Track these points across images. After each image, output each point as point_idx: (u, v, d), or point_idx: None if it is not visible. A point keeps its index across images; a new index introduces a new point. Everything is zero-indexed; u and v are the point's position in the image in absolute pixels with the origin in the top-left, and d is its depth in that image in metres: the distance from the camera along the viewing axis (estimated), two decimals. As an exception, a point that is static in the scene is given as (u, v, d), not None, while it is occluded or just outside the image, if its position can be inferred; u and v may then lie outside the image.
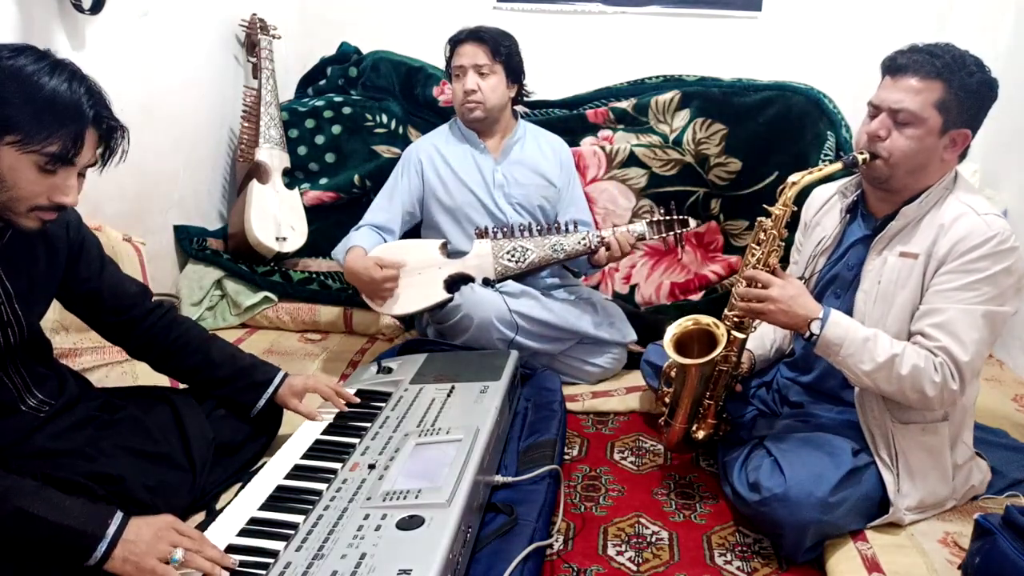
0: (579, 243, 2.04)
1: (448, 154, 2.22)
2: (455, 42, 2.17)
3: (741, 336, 1.59)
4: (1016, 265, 1.37)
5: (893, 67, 1.43)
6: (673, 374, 1.66)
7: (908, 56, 1.41)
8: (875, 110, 1.46)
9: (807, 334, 1.43)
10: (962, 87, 1.38)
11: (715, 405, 1.65)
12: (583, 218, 2.29)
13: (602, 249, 2.02)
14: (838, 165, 1.48)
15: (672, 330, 1.62)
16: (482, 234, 2.11)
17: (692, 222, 2.06)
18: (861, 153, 1.45)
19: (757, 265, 1.53)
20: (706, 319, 1.62)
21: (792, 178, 1.51)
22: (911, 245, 1.44)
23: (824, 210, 1.66)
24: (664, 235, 2.04)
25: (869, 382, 1.40)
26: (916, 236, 1.45)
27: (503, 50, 2.15)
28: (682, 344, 1.62)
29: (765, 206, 1.56)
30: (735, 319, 1.58)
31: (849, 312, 1.51)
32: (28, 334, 1.31)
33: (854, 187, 1.61)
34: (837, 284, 1.59)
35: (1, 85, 1.08)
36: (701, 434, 1.66)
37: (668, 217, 2.05)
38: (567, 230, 2.09)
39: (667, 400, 1.68)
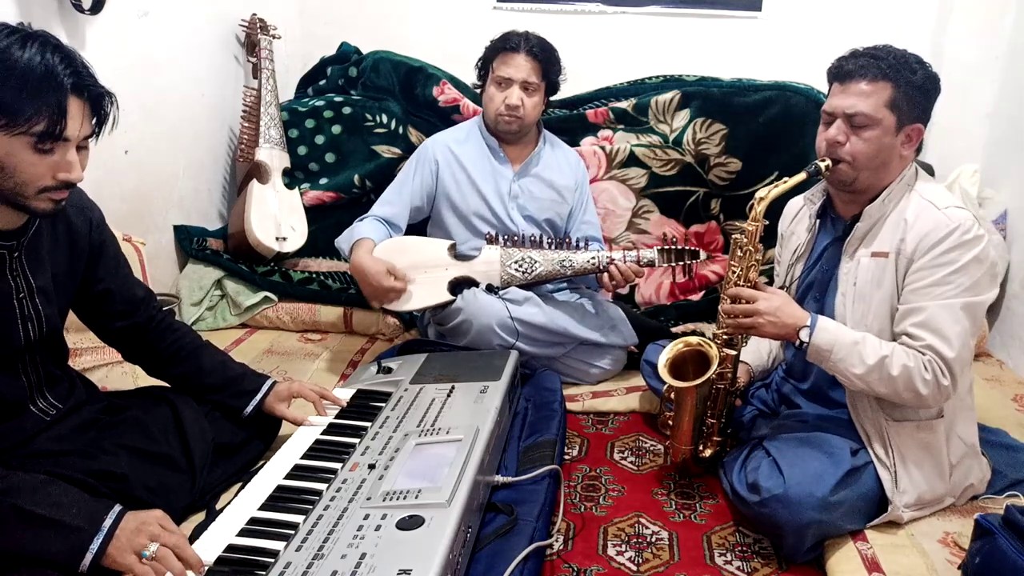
0: (588, 262, 2.03)
1: (465, 158, 2.21)
2: (508, 48, 2.10)
3: (732, 353, 1.60)
4: (984, 252, 1.39)
5: (841, 74, 1.47)
6: (673, 396, 1.65)
7: (853, 61, 1.45)
8: (830, 117, 1.49)
9: (797, 342, 1.45)
10: (909, 84, 1.42)
11: (718, 423, 1.65)
12: (595, 235, 2.30)
13: (605, 276, 2.02)
14: (802, 176, 1.50)
15: (665, 355, 1.64)
16: (492, 240, 2.10)
17: (703, 254, 2.05)
18: (823, 160, 1.48)
19: (738, 282, 1.55)
20: (696, 339, 1.64)
21: (759, 194, 1.53)
22: (880, 244, 1.47)
23: (797, 219, 1.70)
24: (674, 264, 2.04)
25: (863, 384, 1.41)
26: (883, 235, 1.47)
27: (553, 72, 2.15)
28: (676, 366, 1.63)
29: (737, 223, 1.57)
30: (724, 336, 1.60)
31: (830, 315, 1.53)
32: (48, 330, 1.32)
33: (820, 193, 1.63)
34: (815, 288, 1.61)
35: None
36: (708, 452, 1.67)
37: (680, 248, 2.04)
38: (578, 247, 2.08)
39: (670, 422, 1.67)
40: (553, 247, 2.09)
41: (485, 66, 2.18)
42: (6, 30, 1.10)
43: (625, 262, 2.00)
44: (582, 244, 2.10)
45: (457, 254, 2.15)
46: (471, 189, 2.20)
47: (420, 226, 2.35)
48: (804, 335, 1.44)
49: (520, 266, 2.06)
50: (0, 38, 1.09)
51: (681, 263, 2.04)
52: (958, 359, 1.38)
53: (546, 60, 2.13)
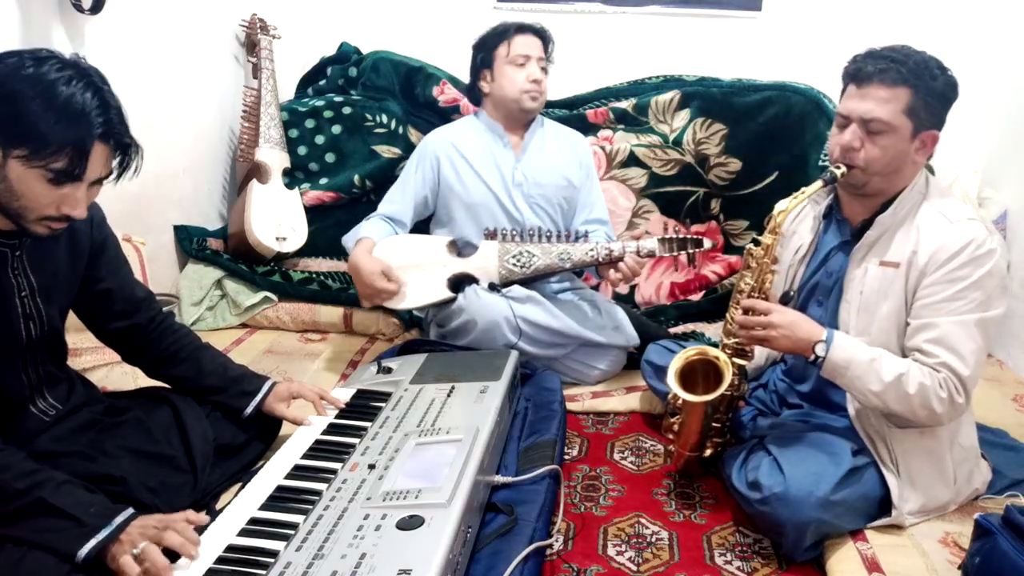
0: (587, 254, 2.02)
1: (466, 149, 2.22)
2: (517, 30, 2.16)
3: (742, 362, 1.59)
4: (997, 266, 1.38)
5: (859, 76, 1.42)
6: (680, 404, 1.64)
7: (872, 63, 1.40)
8: (845, 120, 1.45)
9: (812, 357, 1.43)
10: (928, 91, 1.39)
11: (722, 427, 1.65)
12: (600, 217, 2.28)
13: (612, 271, 2.00)
14: (819, 184, 1.46)
15: (676, 363, 1.60)
16: (491, 235, 2.10)
17: (707, 243, 2.02)
18: (838, 167, 1.45)
19: (752, 294, 1.53)
20: (713, 352, 1.59)
21: (779, 206, 1.49)
22: (890, 254, 1.45)
23: (799, 218, 1.67)
24: (676, 254, 2.01)
25: (878, 402, 1.40)
26: (894, 245, 1.45)
27: (550, 49, 2.22)
28: (685, 375, 1.60)
29: (755, 236, 1.54)
30: (736, 346, 1.58)
31: (833, 321, 1.52)
32: (48, 329, 1.33)
33: (826, 193, 1.60)
34: (819, 292, 1.60)
35: (14, 92, 1.09)
36: (708, 452, 1.66)
37: (682, 237, 2.01)
38: (576, 239, 2.07)
39: (675, 427, 1.66)
40: (552, 240, 2.08)
41: (487, 57, 2.19)
42: (59, 63, 1.13)
43: (625, 253, 1.99)
44: (582, 236, 2.08)
45: (455, 251, 2.15)
46: (475, 179, 2.19)
47: (424, 224, 2.35)
48: (820, 350, 1.41)
49: (518, 260, 2.06)
50: (51, 70, 1.11)
51: (683, 252, 2.01)
52: (972, 376, 1.37)
53: (550, 44, 2.22)
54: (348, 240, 2.15)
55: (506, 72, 2.16)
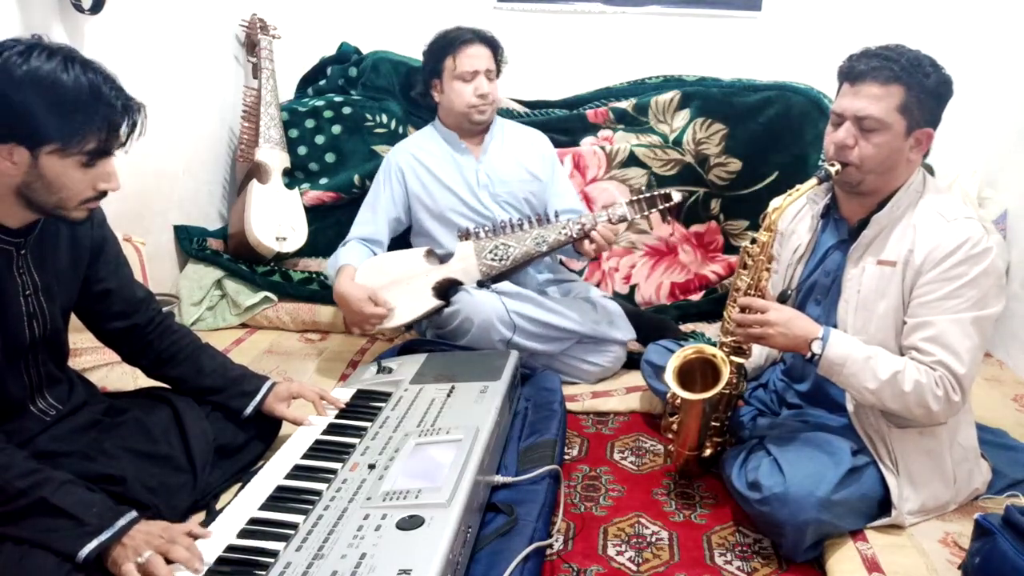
0: (560, 233, 2.00)
1: (427, 159, 2.22)
2: (462, 42, 2.14)
3: (740, 360, 1.59)
4: (993, 265, 1.38)
5: (852, 74, 1.43)
6: (678, 403, 1.64)
7: (865, 62, 1.41)
8: (839, 118, 1.46)
9: (808, 355, 1.43)
10: (921, 88, 1.39)
11: (721, 425, 1.65)
12: (572, 206, 2.26)
13: (586, 242, 1.98)
14: (813, 182, 1.47)
15: (674, 362, 1.60)
16: (465, 236, 2.09)
17: (676, 195, 1.98)
18: (832, 165, 1.45)
19: (749, 291, 1.53)
20: (710, 350, 1.60)
21: (774, 203, 1.49)
22: (887, 253, 1.46)
23: (797, 218, 1.67)
24: (647, 213, 2.00)
25: (874, 399, 1.40)
26: (891, 243, 1.46)
27: (500, 56, 2.20)
28: (683, 373, 1.60)
29: (751, 234, 1.54)
30: (733, 344, 1.58)
31: (831, 319, 1.52)
32: (51, 328, 1.33)
33: (824, 192, 1.61)
34: (817, 291, 1.60)
35: (24, 95, 1.09)
36: (708, 452, 1.66)
37: (650, 194, 1.99)
38: (548, 221, 2.06)
39: (674, 427, 1.66)
40: (524, 228, 2.06)
41: (436, 68, 2.17)
42: (45, 51, 1.12)
43: (596, 224, 1.97)
44: (553, 218, 2.06)
45: (434, 258, 2.14)
46: (439, 187, 2.19)
47: (402, 238, 2.34)
48: (816, 347, 1.42)
49: (495, 254, 2.04)
50: (40, 62, 1.11)
51: (654, 210, 1.99)
52: (968, 375, 1.37)
53: (497, 49, 2.20)
54: (330, 270, 2.14)
55: (454, 87, 2.15)
